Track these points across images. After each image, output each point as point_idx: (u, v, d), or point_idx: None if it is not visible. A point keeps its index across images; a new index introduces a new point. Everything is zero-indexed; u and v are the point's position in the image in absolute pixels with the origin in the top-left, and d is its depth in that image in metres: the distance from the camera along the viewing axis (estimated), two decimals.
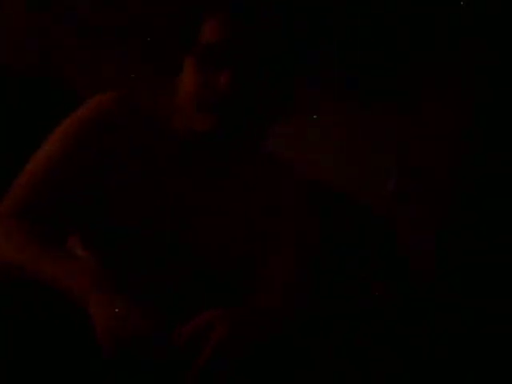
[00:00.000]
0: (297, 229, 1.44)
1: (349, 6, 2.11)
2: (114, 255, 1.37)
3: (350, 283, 1.85)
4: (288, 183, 1.47)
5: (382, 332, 1.74)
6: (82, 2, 2.18)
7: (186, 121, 1.33)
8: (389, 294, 1.92)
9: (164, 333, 1.14)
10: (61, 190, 1.32)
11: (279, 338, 1.24)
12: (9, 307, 1.16)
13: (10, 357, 1.14)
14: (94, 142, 1.34)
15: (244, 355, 1.16)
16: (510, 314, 1.97)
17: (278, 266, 1.40)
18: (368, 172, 2.17)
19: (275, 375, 1.21)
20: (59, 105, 1.82)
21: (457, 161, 2.13)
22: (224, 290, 1.36)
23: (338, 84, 2.15)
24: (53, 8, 2.14)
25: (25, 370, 1.15)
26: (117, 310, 1.12)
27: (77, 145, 1.34)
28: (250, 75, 1.28)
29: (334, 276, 1.75)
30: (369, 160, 2.18)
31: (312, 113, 2.11)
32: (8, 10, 2.10)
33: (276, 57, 1.30)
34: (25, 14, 2.14)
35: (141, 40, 2.16)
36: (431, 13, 2.10)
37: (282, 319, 1.28)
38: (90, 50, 2.16)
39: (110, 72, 2.13)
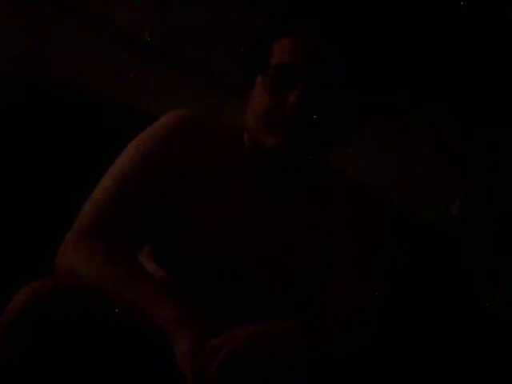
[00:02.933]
0: (364, 253, 1.41)
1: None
2: (181, 272, 1.38)
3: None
4: (356, 204, 1.44)
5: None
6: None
7: (256, 139, 1.33)
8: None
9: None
10: (135, 206, 1.32)
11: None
12: (84, 329, 1.18)
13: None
14: (168, 159, 1.35)
15: (252, 372, 1.15)
16: None
17: (343, 292, 1.37)
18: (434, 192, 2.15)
19: None
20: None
21: None
22: (285, 315, 1.31)
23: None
24: None
25: None
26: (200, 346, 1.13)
27: (151, 161, 1.35)
28: (318, 96, 1.29)
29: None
30: (436, 180, 2.17)
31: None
32: None
33: (345, 79, 1.31)
34: None
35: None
36: None
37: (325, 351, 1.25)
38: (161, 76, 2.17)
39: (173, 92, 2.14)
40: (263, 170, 1.38)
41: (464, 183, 2.16)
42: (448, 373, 1.80)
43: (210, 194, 1.37)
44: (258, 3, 1.98)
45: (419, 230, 1.94)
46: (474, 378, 1.83)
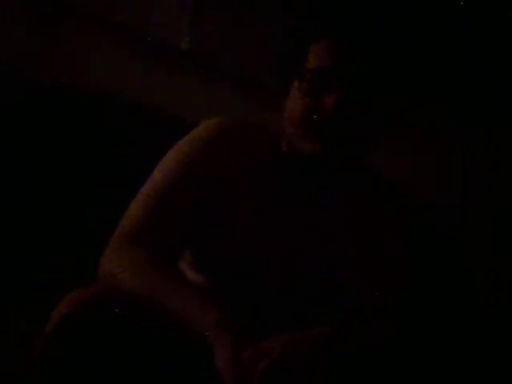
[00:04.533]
0: (393, 256, 1.41)
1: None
2: (221, 279, 1.39)
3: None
4: (388, 208, 1.44)
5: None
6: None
7: (293, 144, 1.33)
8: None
9: None
10: (176, 214, 1.33)
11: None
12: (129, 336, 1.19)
13: None
14: (207, 165, 1.36)
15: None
16: None
17: (369, 293, 1.38)
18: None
19: None
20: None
21: None
22: (318, 317, 1.33)
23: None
24: None
25: None
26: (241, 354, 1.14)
27: (191, 169, 1.35)
28: (354, 99, 1.29)
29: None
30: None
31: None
32: None
33: (380, 82, 1.32)
34: None
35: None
36: None
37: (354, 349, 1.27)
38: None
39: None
40: (302, 172, 1.38)
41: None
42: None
43: (236, 200, 1.37)
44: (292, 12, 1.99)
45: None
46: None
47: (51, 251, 1.32)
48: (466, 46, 2.11)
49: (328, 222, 1.40)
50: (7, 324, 1.57)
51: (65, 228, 1.32)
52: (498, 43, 2.11)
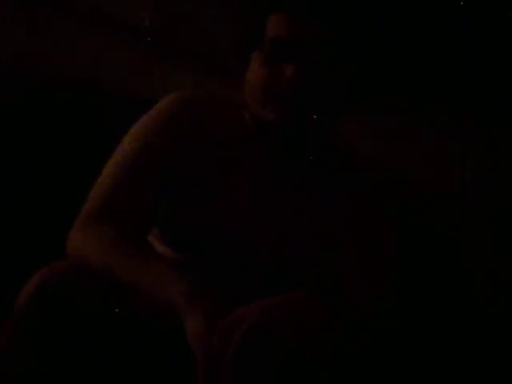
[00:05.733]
0: (375, 243, 1.41)
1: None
2: (190, 253, 1.38)
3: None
4: (364, 186, 1.43)
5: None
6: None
7: (255, 114, 1.35)
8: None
9: None
10: (141, 188, 1.35)
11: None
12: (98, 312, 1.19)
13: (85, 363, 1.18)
14: (171, 139, 1.38)
15: (274, 349, 1.13)
16: None
17: (356, 279, 1.37)
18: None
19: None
20: None
21: None
22: None
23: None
24: None
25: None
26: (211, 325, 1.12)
27: (155, 140, 1.37)
28: (313, 68, 1.31)
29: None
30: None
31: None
32: None
33: (340, 52, 1.33)
34: None
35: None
36: None
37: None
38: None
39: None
40: (264, 143, 1.38)
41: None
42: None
43: (214, 174, 1.38)
44: None
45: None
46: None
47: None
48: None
49: (316, 211, 1.39)
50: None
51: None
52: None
